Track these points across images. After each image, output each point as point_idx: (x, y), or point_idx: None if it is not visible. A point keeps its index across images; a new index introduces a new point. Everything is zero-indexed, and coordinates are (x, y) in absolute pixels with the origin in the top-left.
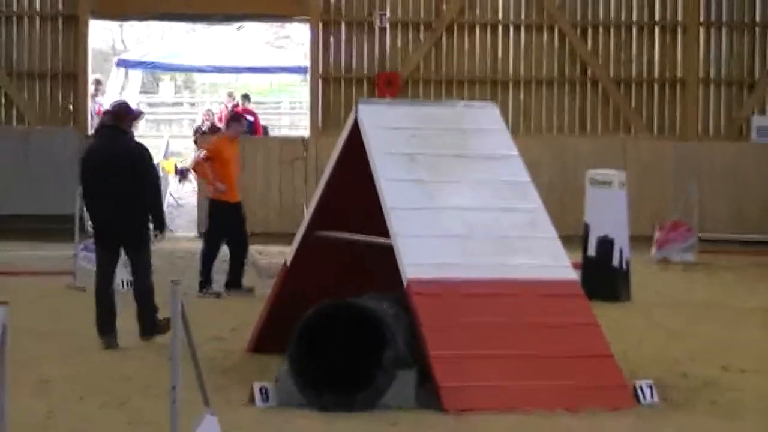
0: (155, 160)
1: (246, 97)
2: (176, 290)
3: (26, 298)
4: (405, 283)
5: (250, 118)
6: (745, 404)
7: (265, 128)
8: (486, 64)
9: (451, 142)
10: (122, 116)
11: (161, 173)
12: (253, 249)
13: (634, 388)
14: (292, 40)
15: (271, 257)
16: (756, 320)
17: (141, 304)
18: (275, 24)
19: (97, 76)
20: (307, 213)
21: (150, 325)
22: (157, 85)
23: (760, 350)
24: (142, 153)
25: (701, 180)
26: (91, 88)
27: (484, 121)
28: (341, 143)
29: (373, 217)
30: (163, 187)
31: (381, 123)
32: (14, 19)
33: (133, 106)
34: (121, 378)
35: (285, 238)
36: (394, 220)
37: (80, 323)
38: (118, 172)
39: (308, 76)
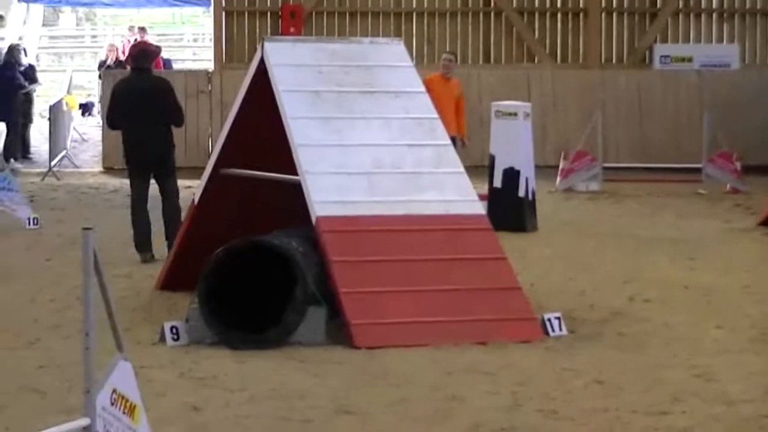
0: (61, 94)
1: (143, 29)
2: (88, 237)
3: None
4: (314, 221)
5: None
6: (650, 335)
7: (168, 61)
8: None
9: (358, 79)
10: (143, 57)
11: (65, 108)
12: None
13: (543, 321)
14: None
15: None
16: (660, 249)
17: (171, 223)
18: None
19: None
20: (214, 150)
21: None
22: (58, 17)
23: (664, 280)
24: (165, 85)
25: (605, 109)
26: None
27: (390, 58)
28: (247, 81)
29: (282, 155)
30: (67, 122)
31: (286, 60)
32: None
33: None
34: (30, 319)
35: (190, 171)
36: (301, 158)
37: None
38: (146, 103)
39: (211, 8)
